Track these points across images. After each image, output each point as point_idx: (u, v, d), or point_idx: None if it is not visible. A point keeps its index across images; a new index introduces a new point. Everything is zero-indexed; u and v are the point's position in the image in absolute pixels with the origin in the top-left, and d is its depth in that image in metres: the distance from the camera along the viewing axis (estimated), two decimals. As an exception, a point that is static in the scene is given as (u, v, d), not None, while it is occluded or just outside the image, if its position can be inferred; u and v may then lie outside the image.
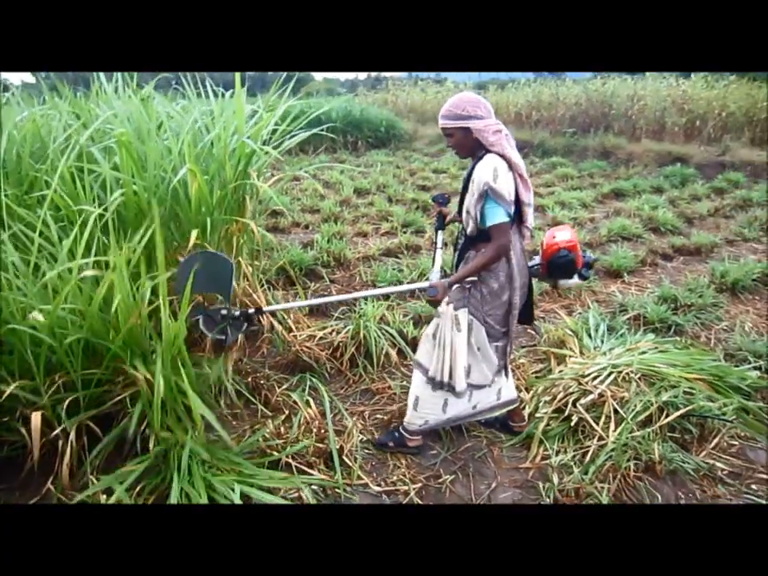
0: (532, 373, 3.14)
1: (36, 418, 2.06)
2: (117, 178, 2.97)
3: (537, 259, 2.56)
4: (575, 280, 2.48)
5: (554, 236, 2.47)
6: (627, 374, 2.76)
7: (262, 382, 2.98)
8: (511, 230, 2.25)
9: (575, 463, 2.43)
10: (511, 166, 2.19)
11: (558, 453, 2.52)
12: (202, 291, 2.81)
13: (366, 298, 3.82)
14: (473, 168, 2.22)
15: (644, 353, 2.99)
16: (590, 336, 3.38)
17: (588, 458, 2.43)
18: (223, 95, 3.81)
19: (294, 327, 3.47)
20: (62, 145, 3.02)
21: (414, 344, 3.28)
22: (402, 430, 2.59)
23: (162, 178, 3.01)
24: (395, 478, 2.42)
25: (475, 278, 2.29)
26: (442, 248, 2.71)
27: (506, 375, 2.54)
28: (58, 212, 2.74)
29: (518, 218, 2.33)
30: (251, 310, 2.71)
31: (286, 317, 3.55)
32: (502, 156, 2.17)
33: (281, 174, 4.06)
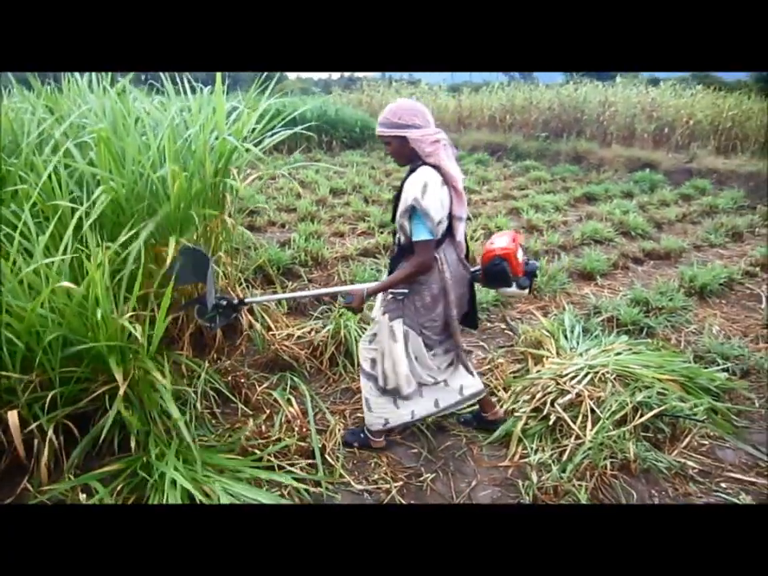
0: (510, 372, 3.19)
1: (13, 416, 2.02)
2: (93, 174, 2.92)
3: (479, 265, 2.51)
4: (513, 289, 2.40)
5: (492, 242, 2.41)
6: (603, 374, 2.83)
7: (242, 380, 2.97)
8: (444, 244, 2.27)
9: (553, 461, 2.47)
10: (446, 178, 2.17)
11: (536, 451, 2.57)
12: (186, 283, 2.99)
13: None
14: (404, 182, 2.19)
15: (619, 354, 3.06)
16: (566, 337, 3.44)
17: (566, 456, 2.48)
18: (201, 91, 3.77)
19: (273, 326, 3.46)
20: (36, 139, 2.95)
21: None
22: (366, 431, 2.61)
23: (141, 174, 2.96)
24: (377, 476, 2.43)
25: (406, 290, 2.29)
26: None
27: (468, 372, 2.59)
28: (34, 207, 2.68)
29: (449, 231, 2.31)
30: (235, 301, 2.76)
31: (264, 315, 3.54)
32: (438, 167, 2.15)
33: (258, 173, 4.04)
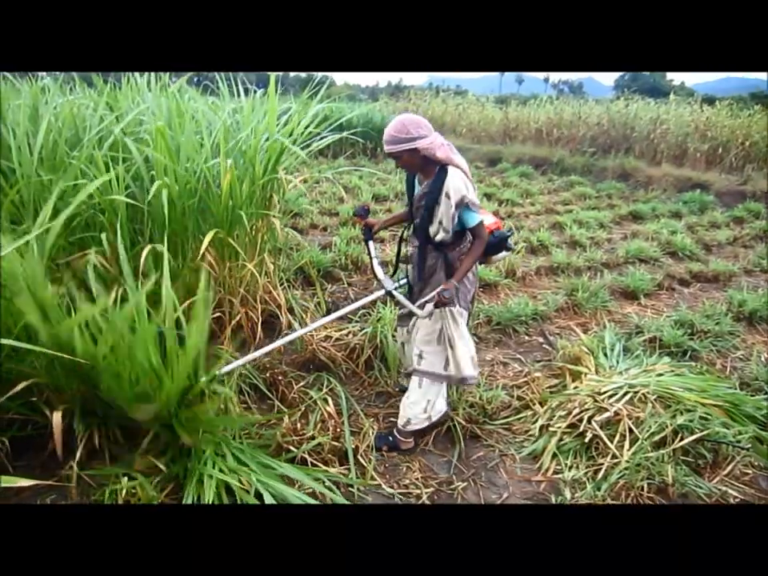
0: (546, 387, 3.15)
1: (57, 416, 2.10)
2: (148, 170, 3.03)
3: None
4: (503, 253, 2.82)
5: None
6: (644, 394, 2.77)
7: (279, 378, 3.01)
8: None
9: (588, 479, 2.43)
10: (466, 174, 2.38)
11: (570, 468, 2.53)
12: None
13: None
14: (441, 183, 2.32)
15: (660, 375, 2.99)
16: (605, 355, 3.38)
17: (601, 474, 2.44)
18: (254, 93, 3.86)
19: (311, 327, 3.50)
20: (97, 135, 3.07)
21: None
22: (395, 433, 2.66)
23: (194, 170, 3.05)
24: (408, 481, 2.44)
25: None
26: (377, 257, 2.81)
27: None
28: (91, 200, 2.79)
29: None
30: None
31: (303, 316, 3.59)
32: (457, 167, 2.35)
33: (303, 176, 4.10)
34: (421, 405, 2.58)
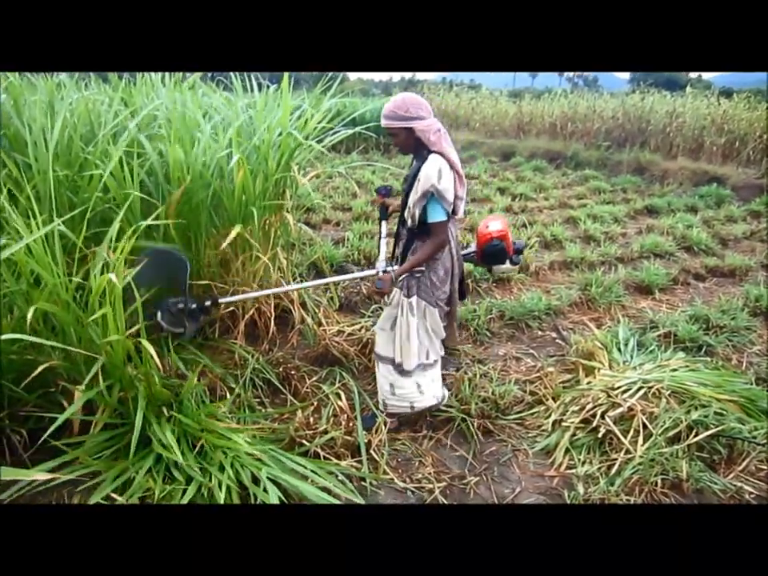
0: (560, 382, 3.14)
1: (78, 393, 2.12)
2: (162, 165, 3.05)
3: (472, 247, 2.83)
4: (507, 265, 2.78)
5: (487, 226, 2.72)
6: (658, 389, 2.75)
7: (292, 372, 3.03)
8: (449, 222, 2.46)
9: (601, 474, 2.42)
10: (451, 164, 2.36)
11: (583, 463, 2.52)
12: (152, 287, 2.65)
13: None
14: (418, 168, 2.34)
15: (675, 370, 2.96)
16: (619, 350, 3.36)
17: (614, 470, 2.43)
18: (268, 88, 3.87)
19: (324, 322, 3.51)
20: (112, 130, 3.10)
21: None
22: (378, 414, 2.76)
23: (207, 165, 3.07)
24: (420, 475, 2.44)
25: (423, 268, 2.48)
26: (385, 238, 2.87)
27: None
28: (107, 194, 2.82)
29: (452, 209, 2.48)
30: (208, 302, 2.72)
31: (316, 310, 3.60)
32: (443, 154, 2.33)
33: (316, 171, 4.11)
34: (385, 387, 2.65)
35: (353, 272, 3.62)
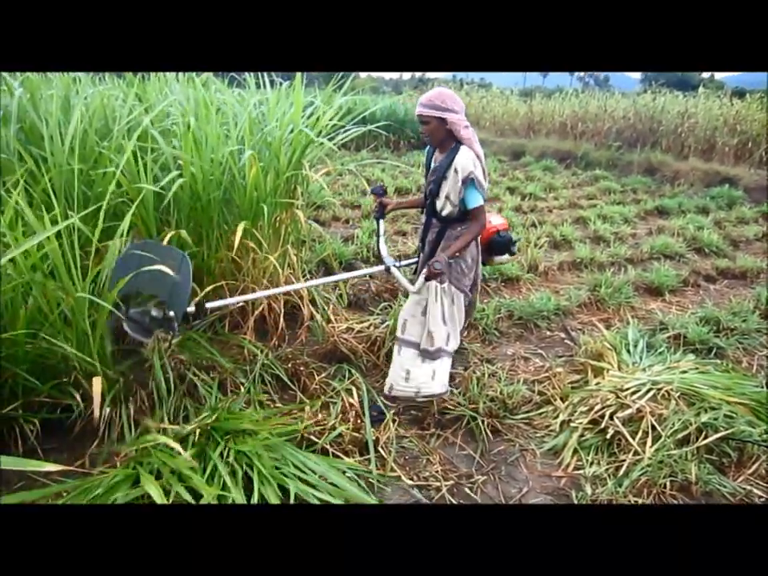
0: (568, 383, 3.13)
1: (97, 382, 2.14)
2: (175, 159, 3.07)
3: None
4: (507, 256, 2.98)
5: (490, 221, 2.87)
6: (667, 391, 2.74)
7: (301, 368, 3.04)
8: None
9: (609, 476, 2.42)
10: (479, 158, 2.51)
11: (591, 464, 2.52)
12: (141, 290, 2.46)
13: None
14: (451, 159, 2.48)
15: (684, 372, 2.95)
16: (628, 351, 3.35)
17: (622, 471, 2.42)
18: (280, 85, 3.88)
19: (333, 319, 3.52)
20: (127, 125, 3.12)
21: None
22: (382, 398, 2.84)
23: (219, 162, 3.09)
24: (428, 473, 2.45)
25: (458, 254, 2.61)
26: (383, 235, 2.98)
27: None
28: (119, 188, 2.84)
29: None
30: (191, 309, 2.45)
31: (325, 307, 3.61)
32: (472, 149, 2.49)
33: (327, 168, 4.12)
34: (400, 373, 2.69)
35: (362, 269, 3.64)
